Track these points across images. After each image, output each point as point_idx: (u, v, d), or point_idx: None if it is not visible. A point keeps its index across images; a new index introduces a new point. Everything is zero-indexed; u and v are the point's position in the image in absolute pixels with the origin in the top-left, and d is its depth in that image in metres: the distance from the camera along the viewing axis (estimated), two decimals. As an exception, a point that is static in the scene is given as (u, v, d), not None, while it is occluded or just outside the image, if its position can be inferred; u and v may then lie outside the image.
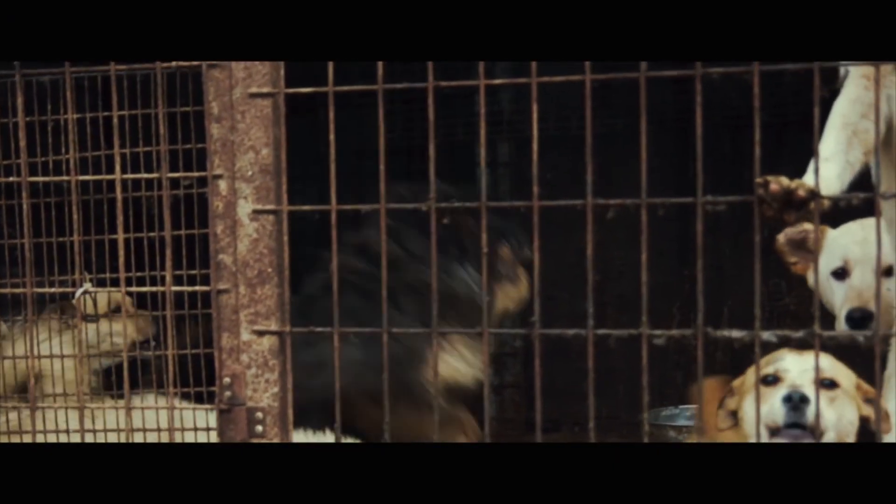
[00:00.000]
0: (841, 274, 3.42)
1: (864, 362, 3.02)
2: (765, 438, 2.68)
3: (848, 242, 3.42)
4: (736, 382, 3.05)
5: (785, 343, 3.16)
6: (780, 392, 2.79)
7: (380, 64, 2.32)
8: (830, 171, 2.61)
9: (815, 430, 2.71)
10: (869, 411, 2.88)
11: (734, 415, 2.98)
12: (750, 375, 2.98)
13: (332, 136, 2.39)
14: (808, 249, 3.53)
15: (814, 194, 2.17)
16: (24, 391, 3.88)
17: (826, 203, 2.21)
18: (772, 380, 2.85)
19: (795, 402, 2.74)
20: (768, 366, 2.89)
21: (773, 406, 2.76)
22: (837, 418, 2.83)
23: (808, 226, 3.50)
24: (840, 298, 3.40)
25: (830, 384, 2.87)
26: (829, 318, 3.45)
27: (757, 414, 2.46)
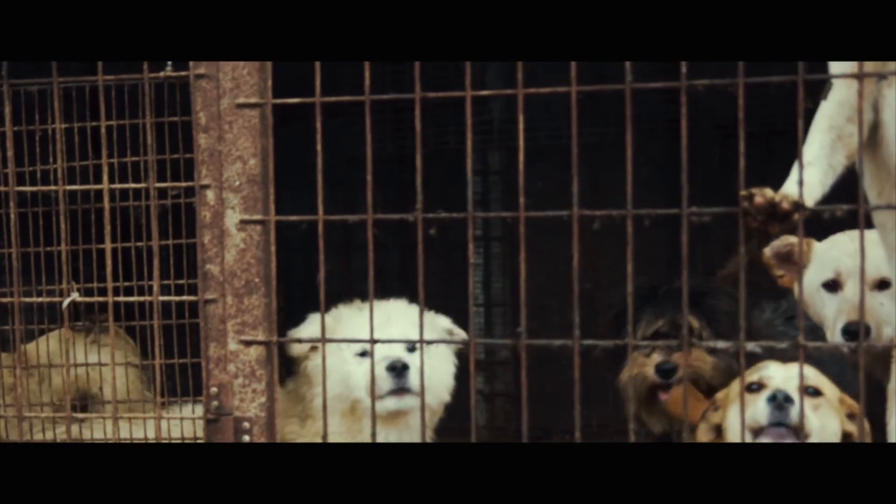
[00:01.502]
0: (832, 286, 3.39)
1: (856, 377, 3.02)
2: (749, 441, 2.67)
3: (839, 254, 3.39)
4: (720, 395, 3.04)
5: (770, 354, 3.18)
6: (764, 395, 2.79)
7: (367, 75, 2.32)
8: (813, 176, 2.60)
9: (800, 430, 2.70)
10: (852, 428, 2.87)
11: (718, 429, 2.98)
12: (734, 386, 2.97)
13: (319, 147, 2.39)
14: (795, 262, 3.51)
15: (798, 206, 2.18)
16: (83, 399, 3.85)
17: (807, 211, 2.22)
18: (756, 387, 2.85)
19: (780, 401, 2.74)
20: (752, 375, 2.89)
21: (757, 406, 2.75)
22: (821, 426, 2.82)
23: (793, 239, 3.48)
24: (832, 311, 3.37)
25: (814, 392, 2.87)
26: (813, 330, 3.42)
27: (742, 422, 2.44)
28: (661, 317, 3.74)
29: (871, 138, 2.74)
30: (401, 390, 3.36)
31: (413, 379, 3.35)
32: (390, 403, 3.37)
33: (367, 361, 3.35)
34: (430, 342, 2.39)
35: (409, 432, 3.48)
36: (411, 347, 3.45)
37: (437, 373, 3.50)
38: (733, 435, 2.90)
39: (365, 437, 3.39)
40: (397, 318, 3.43)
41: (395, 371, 3.34)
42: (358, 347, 3.44)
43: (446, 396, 3.60)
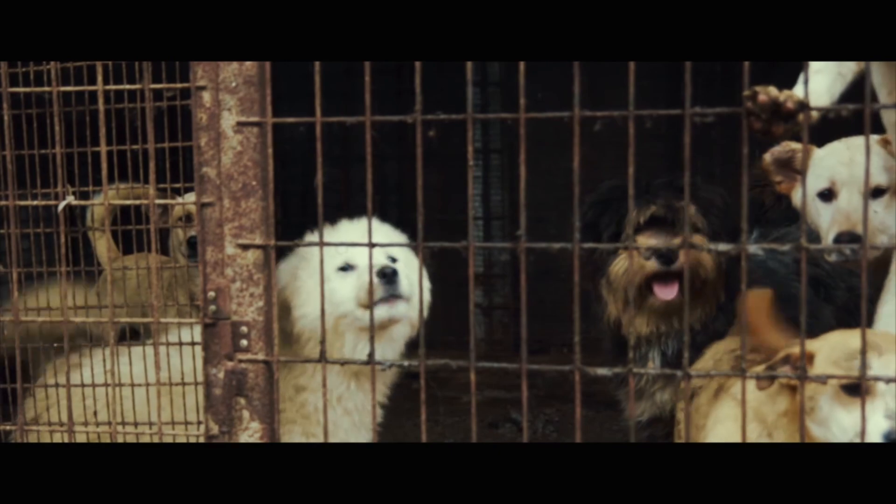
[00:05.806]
0: (827, 195, 3.36)
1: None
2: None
3: (834, 163, 3.35)
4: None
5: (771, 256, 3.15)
6: (877, 411, 2.44)
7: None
8: (820, 83, 2.57)
9: None
10: None
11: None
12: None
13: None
14: (794, 169, 3.48)
15: (803, 106, 2.15)
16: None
17: (815, 115, 2.18)
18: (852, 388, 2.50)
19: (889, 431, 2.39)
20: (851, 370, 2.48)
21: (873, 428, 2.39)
22: None
23: (795, 145, 3.45)
24: (826, 221, 3.35)
25: None
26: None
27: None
28: (653, 202, 3.71)
29: None
30: (392, 297, 3.28)
31: (404, 285, 3.29)
32: (382, 312, 3.27)
33: (349, 276, 3.32)
34: (428, 245, 2.35)
35: (393, 345, 3.41)
36: (393, 259, 3.39)
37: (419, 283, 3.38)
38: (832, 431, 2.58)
39: (348, 353, 3.32)
40: (375, 232, 3.31)
41: (385, 277, 3.26)
42: (338, 262, 3.35)
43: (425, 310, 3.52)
